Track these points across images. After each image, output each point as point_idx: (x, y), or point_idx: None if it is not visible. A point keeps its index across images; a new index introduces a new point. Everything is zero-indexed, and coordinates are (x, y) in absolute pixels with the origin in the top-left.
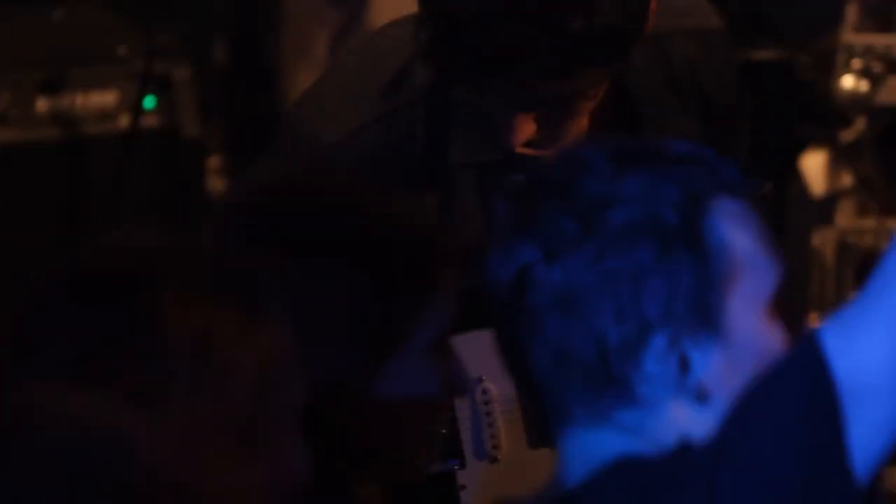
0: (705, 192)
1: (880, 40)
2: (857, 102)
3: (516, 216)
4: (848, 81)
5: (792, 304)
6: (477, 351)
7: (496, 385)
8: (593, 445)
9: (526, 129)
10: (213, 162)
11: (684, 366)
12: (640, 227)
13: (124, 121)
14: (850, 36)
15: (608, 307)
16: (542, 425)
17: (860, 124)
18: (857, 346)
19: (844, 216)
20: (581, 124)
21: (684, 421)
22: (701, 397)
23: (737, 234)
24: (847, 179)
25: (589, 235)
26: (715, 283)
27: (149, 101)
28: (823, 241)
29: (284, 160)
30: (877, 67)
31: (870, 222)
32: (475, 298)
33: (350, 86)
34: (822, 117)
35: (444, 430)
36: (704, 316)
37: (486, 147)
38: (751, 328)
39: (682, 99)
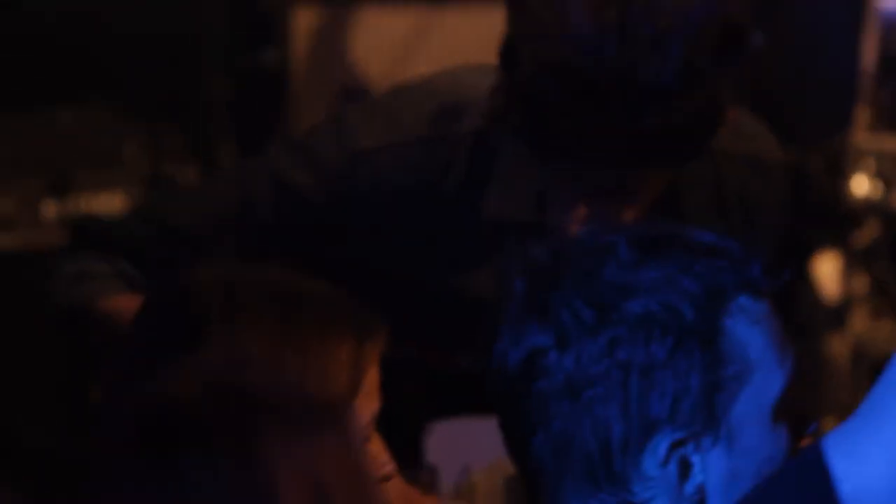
0: (726, 290)
1: (892, 142)
2: (870, 205)
3: (533, 297)
4: (860, 184)
5: (799, 406)
6: (467, 439)
7: (482, 477)
8: None
9: (576, 210)
10: None
11: (685, 470)
12: (656, 320)
13: None
14: (862, 137)
15: (615, 401)
16: None
17: (874, 227)
18: (864, 468)
19: (859, 321)
20: (630, 217)
21: None
22: None
23: (752, 334)
24: (861, 284)
25: (604, 325)
26: (724, 385)
27: None
28: (838, 346)
29: (314, 148)
30: (889, 170)
31: (885, 327)
32: (473, 381)
33: (402, 104)
34: (835, 220)
35: None
36: (710, 418)
37: (523, 209)
38: (755, 432)
39: (724, 219)
